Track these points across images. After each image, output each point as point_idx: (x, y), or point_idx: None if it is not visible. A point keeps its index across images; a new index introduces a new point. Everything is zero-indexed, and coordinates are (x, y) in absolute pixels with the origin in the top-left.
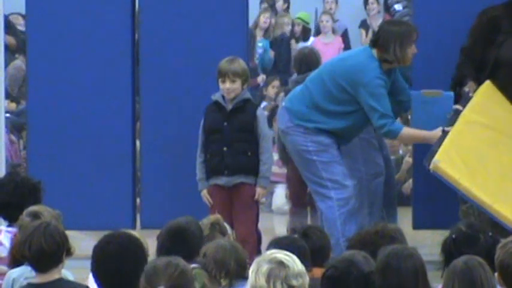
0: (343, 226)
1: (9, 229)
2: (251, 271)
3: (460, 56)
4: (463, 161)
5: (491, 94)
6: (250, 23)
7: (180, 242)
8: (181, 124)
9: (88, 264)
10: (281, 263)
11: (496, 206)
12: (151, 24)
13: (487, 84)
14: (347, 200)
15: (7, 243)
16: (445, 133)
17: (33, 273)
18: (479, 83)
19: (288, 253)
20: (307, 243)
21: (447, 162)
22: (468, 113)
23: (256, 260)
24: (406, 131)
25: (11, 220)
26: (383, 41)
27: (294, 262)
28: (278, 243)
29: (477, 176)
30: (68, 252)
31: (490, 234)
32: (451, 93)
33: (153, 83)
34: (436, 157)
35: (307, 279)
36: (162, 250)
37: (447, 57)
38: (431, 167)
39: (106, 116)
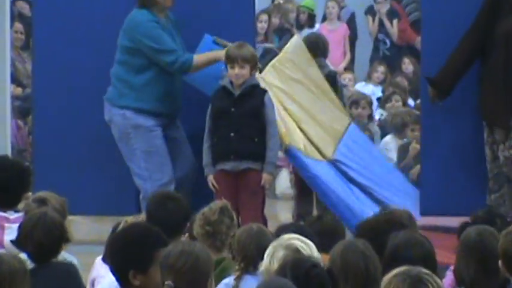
0: None
1: None
2: (266, 254)
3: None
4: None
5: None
6: None
7: (169, 209)
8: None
9: (92, 248)
10: (297, 251)
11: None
12: None
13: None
14: None
15: None
16: None
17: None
18: (485, 57)
19: (305, 240)
20: (319, 225)
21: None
22: (277, 63)
23: (273, 243)
24: (197, 57)
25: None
26: None
27: (310, 251)
28: (284, 231)
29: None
30: (66, 240)
31: (509, 219)
32: None
33: None
34: None
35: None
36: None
37: (456, 43)
38: None
39: None
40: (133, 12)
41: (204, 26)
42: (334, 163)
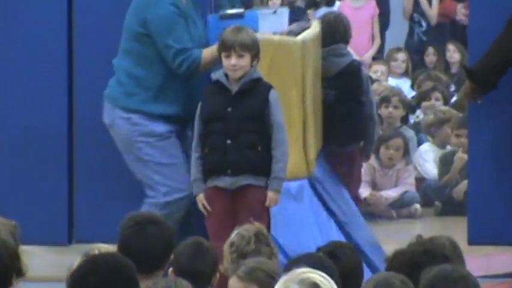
0: None
1: None
2: None
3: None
4: None
5: None
6: None
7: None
8: None
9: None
10: (315, 286)
11: None
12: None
13: None
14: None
15: None
16: None
17: None
18: None
19: (323, 274)
20: (336, 265)
21: None
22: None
23: (283, 278)
24: (205, 53)
25: None
26: None
27: (331, 286)
28: (299, 263)
29: None
30: (19, 273)
31: None
32: (256, 13)
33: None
34: None
35: None
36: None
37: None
38: None
39: (41, 118)
40: None
41: None
42: (311, 181)
